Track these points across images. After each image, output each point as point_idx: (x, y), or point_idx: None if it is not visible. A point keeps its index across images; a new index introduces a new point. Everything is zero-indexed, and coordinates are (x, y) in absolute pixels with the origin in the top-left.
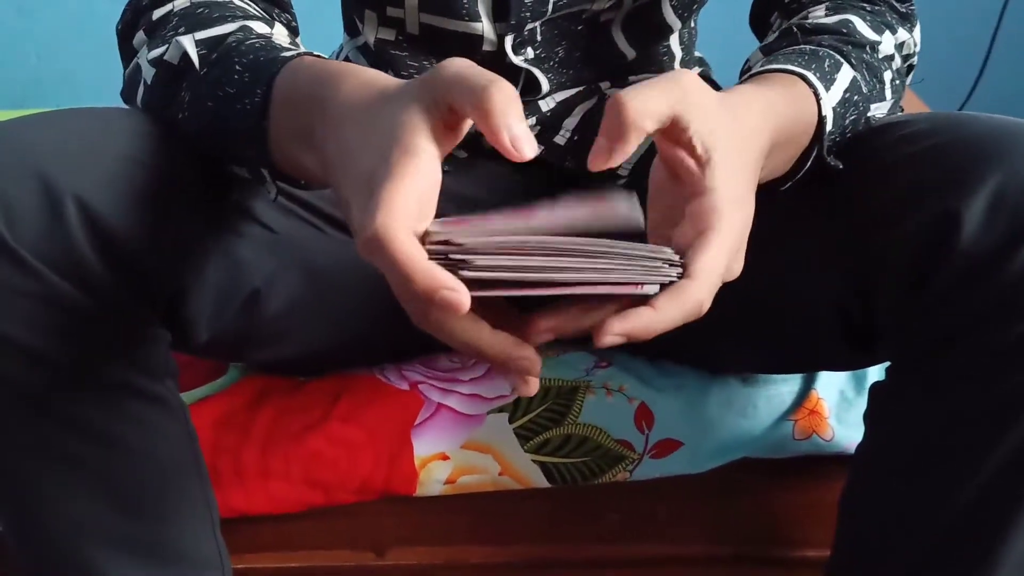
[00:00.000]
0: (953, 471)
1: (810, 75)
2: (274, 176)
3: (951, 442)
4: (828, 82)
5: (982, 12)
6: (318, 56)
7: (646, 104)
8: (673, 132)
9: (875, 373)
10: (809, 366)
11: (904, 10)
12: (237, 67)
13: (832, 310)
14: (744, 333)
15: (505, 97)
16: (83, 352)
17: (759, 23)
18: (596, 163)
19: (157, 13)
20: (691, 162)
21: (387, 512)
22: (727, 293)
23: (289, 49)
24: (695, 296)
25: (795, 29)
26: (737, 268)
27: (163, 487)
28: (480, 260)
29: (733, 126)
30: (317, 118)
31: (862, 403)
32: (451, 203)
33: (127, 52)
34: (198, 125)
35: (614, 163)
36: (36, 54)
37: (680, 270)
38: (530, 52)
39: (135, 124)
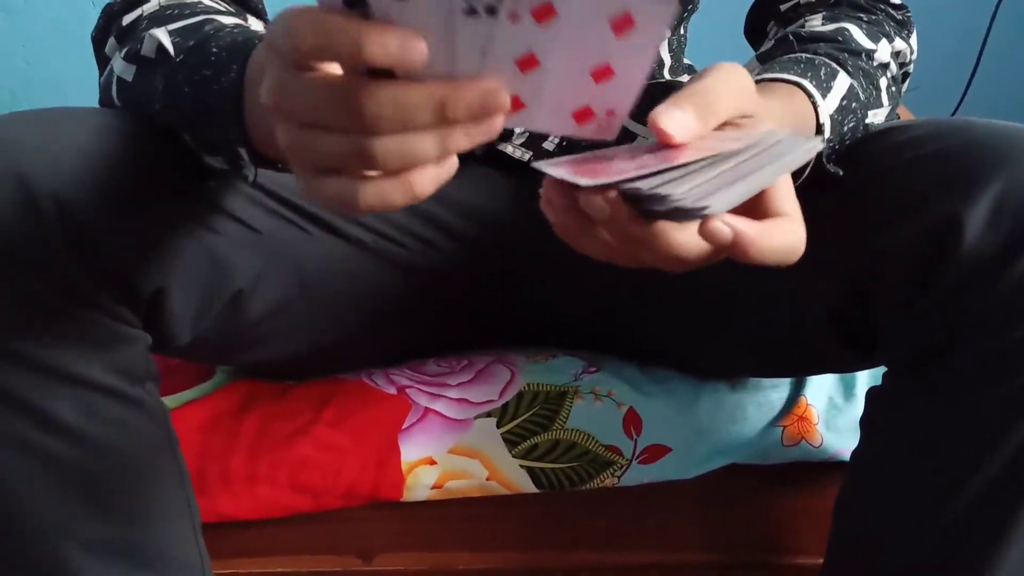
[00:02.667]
0: (951, 476)
1: (806, 83)
2: (253, 159)
3: (950, 446)
4: (824, 90)
5: (971, 22)
6: None
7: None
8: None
9: (864, 380)
10: (803, 369)
11: (901, 18)
12: (214, 50)
13: (829, 313)
14: (739, 335)
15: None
16: (58, 351)
17: (755, 32)
18: (665, 120)
19: (127, 18)
20: None
21: (374, 517)
22: (725, 294)
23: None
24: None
25: (791, 37)
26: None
27: (141, 490)
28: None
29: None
30: None
31: (851, 409)
32: (450, 210)
33: (102, 59)
34: (175, 113)
35: (679, 130)
36: (24, 59)
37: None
38: None
39: (111, 122)
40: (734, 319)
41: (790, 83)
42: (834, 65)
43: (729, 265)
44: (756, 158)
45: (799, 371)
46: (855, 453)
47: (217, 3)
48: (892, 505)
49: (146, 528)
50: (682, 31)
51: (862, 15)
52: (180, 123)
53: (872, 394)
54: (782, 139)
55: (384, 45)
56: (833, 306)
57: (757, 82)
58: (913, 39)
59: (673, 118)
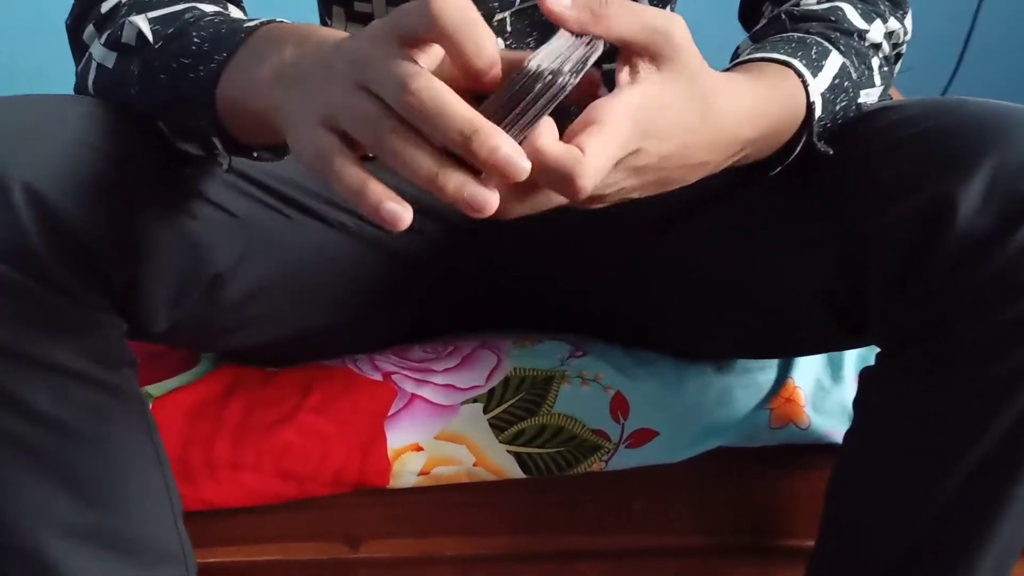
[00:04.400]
0: (944, 455)
1: (796, 63)
2: (227, 147)
3: (943, 426)
4: (815, 69)
5: (959, 3)
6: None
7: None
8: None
9: (852, 362)
10: (794, 350)
11: None
12: (195, 39)
13: (820, 293)
14: (729, 315)
15: (453, 3)
16: (32, 338)
17: (749, 15)
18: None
19: (105, 6)
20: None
21: (361, 504)
22: (714, 274)
23: (249, 21)
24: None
25: (783, 16)
26: (630, 184)
27: (119, 476)
28: None
29: (694, 89)
30: (291, 44)
31: (839, 391)
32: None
33: (78, 47)
34: (149, 99)
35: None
36: (7, 47)
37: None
38: (500, 43)
39: (85, 109)
40: (724, 299)
41: (779, 63)
42: (826, 44)
43: (720, 244)
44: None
45: (789, 352)
46: (848, 434)
47: None
48: (885, 485)
49: (124, 515)
50: None
51: None
52: (154, 109)
53: (865, 374)
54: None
55: (492, 150)
56: (825, 286)
57: (747, 61)
58: (908, 20)
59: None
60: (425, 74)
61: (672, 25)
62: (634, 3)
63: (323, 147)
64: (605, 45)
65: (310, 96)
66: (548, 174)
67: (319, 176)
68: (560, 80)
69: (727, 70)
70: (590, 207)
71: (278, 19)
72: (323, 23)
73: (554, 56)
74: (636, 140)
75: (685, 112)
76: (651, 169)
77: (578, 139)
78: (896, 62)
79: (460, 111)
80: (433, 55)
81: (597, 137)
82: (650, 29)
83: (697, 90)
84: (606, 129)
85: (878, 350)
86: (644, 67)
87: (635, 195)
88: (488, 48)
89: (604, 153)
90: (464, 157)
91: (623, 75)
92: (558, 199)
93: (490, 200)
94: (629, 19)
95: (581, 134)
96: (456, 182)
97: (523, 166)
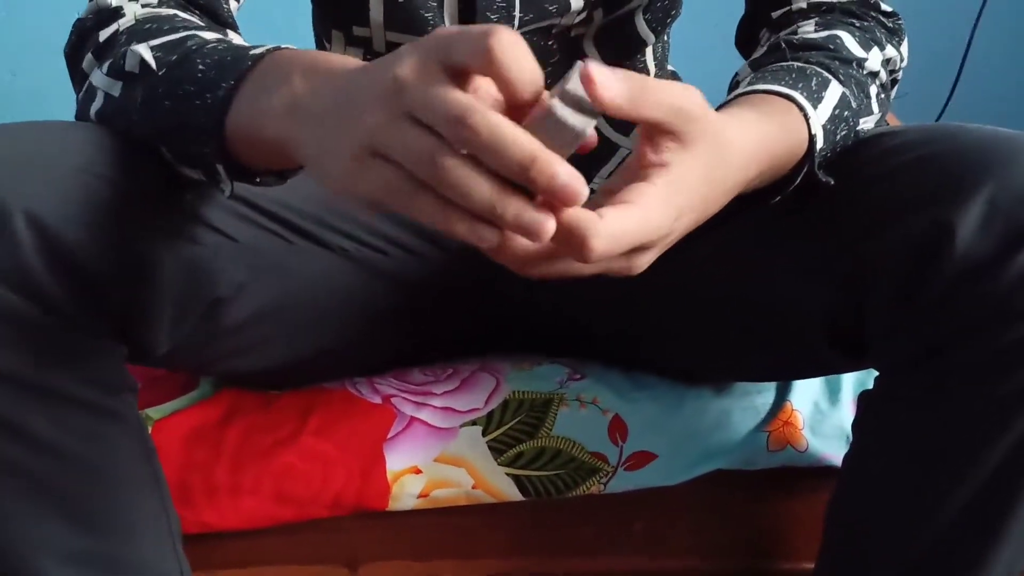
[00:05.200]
0: (944, 478)
1: (797, 96)
2: (230, 173)
3: (942, 448)
4: (816, 100)
5: (953, 28)
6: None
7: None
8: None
9: (850, 385)
10: (792, 373)
11: (892, 25)
12: (200, 67)
13: (820, 316)
14: (728, 340)
15: (508, 39)
16: (31, 365)
17: (747, 43)
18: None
19: (104, 34)
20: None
21: (360, 527)
22: (713, 297)
23: (254, 48)
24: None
25: (783, 45)
26: (643, 261)
27: (117, 502)
28: None
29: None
30: (299, 75)
31: (836, 414)
32: (403, 229)
33: (77, 74)
34: (152, 126)
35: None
36: (10, 70)
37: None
38: None
39: (87, 135)
40: (723, 322)
41: (781, 95)
42: (826, 74)
43: (719, 267)
44: None
45: (788, 375)
46: (847, 456)
47: (192, 18)
48: (885, 507)
49: (123, 540)
50: (665, 38)
51: (855, 22)
52: (157, 135)
53: (864, 397)
54: None
55: (551, 177)
56: (824, 309)
57: (748, 93)
58: (904, 47)
59: (606, 75)
60: (481, 108)
61: (691, 102)
62: (657, 82)
63: (390, 179)
64: None
65: (342, 129)
66: (561, 232)
67: (388, 206)
68: (579, 137)
69: (730, 101)
70: (600, 272)
71: (283, 45)
72: (319, 46)
73: (574, 103)
74: (667, 226)
75: (710, 180)
76: (670, 241)
77: (603, 209)
78: (892, 88)
79: (519, 142)
80: (480, 86)
81: (624, 211)
82: (676, 111)
83: (717, 154)
84: (634, 210)
85: (876, 373)
86: (669, 146)
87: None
88: (538, 82)
89: (625, 226)
90: (521, 184)
91: (649, 155)
92: (577, 269)
93: (547, 225)
94: (656, 102)
95: (607, 205)
96: (515, 209)
97: (582, 192)
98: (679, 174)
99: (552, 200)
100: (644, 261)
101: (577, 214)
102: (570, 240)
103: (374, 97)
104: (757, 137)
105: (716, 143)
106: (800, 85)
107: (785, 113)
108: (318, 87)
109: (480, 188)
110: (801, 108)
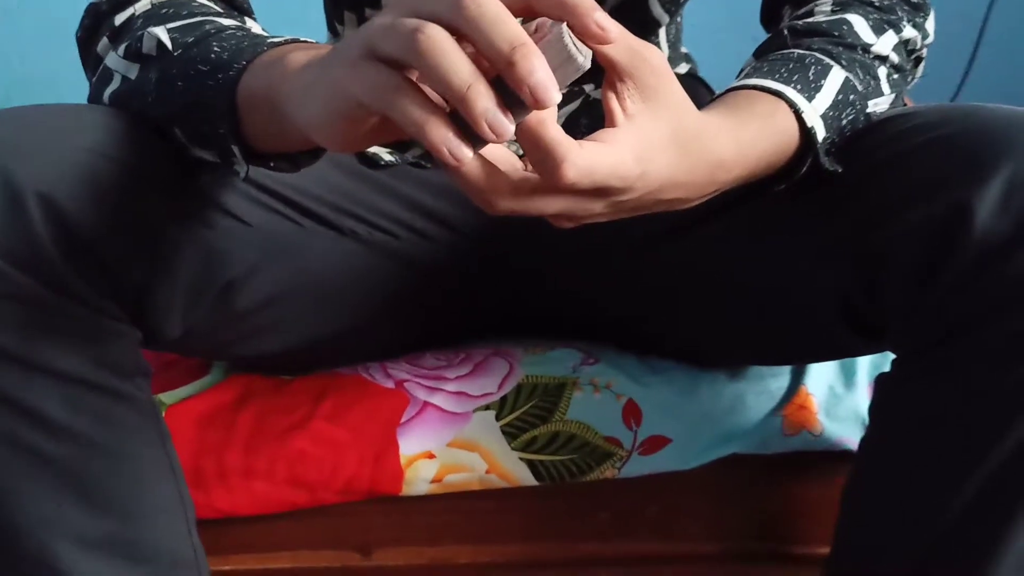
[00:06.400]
0: (961, 460)
1: (789, 91)
2: (244, 155)
3: (959, 431)
4: (813, 90)
5: (968, 7)
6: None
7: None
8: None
9: (865, 369)
10: (808, 356)
11: (917, 1)
12: (215, 48)
13: (835, 298)
14: (743, 322)
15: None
16: (46, 347)
17: (770, 20)
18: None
19: (120, 18)
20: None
21: (373, 512)
22: (727, 280)
23: (272, 37)
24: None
25: (786, 32)
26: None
27: (132, 485)
28: None
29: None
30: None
31: (851, 398)
32: (443, 199)
33: (91, 59)
34: (166, 106)
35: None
36: (19, 56)
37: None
38: None
39: (100, 118)
40: (738, 305)
41: (770, 91)
42: (826, 60)
43: (733, 250)
44: None
45: (804, 358)
46: (863, 440)
47: (209, 3)
48: (901, 491)
49: (138, 523)
50: (678, 19)
51: (874, 1)
52: (171, 115)
53: (880, 380)
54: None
55: (530, 70)
56: (840, 291)
57: (739, 88)
58: (930, 22)
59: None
60: None
61: (652, 52)
62: (619, 24)
63: (375, 77)
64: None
65: (338, 53)
66: (540, 151)
67: (377, 108)
68: (578, 71)
69: (718, 97)
70: (561, 225)
71: (302, 38)
72: (331, 29)
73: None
74: (633, 175)
75: (670, 157)
76: (628, 203)
77: (580, 140)
78: (916, 66)
79: (511, 23)
80: None
81: (600, 147)
82: (633, 52)
83: (681, 136)
84: (607, 148)
85: (892, 356)
86: (631, 95)
87: (602, 220)
88: (518, 35)
89: (598, 161)
90: (502, 70)
91: (612, 103)
92: (547, 206)
93: (508, 129)
94: (625, 45)
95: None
96: (486, 100)
97: (553, 95)
98: (645, 129)
99: (521, 93)
100: (600, 208)
101: (559, 135)
102: (546, 161)
103: (374, 24)
104: (734, 144)
105: (681, 121)
106: (796, 77)
107: (772, 111)
108: (321, 53)
109: (460, 65)
110: (791, 104)
